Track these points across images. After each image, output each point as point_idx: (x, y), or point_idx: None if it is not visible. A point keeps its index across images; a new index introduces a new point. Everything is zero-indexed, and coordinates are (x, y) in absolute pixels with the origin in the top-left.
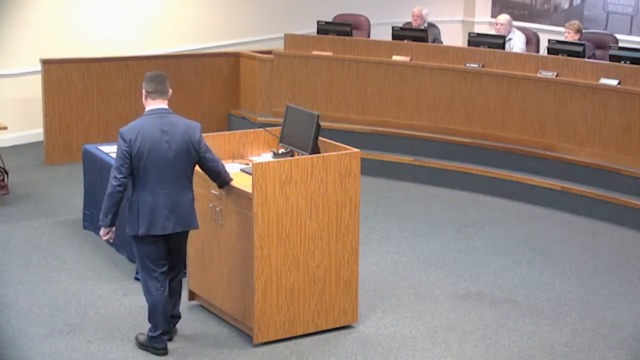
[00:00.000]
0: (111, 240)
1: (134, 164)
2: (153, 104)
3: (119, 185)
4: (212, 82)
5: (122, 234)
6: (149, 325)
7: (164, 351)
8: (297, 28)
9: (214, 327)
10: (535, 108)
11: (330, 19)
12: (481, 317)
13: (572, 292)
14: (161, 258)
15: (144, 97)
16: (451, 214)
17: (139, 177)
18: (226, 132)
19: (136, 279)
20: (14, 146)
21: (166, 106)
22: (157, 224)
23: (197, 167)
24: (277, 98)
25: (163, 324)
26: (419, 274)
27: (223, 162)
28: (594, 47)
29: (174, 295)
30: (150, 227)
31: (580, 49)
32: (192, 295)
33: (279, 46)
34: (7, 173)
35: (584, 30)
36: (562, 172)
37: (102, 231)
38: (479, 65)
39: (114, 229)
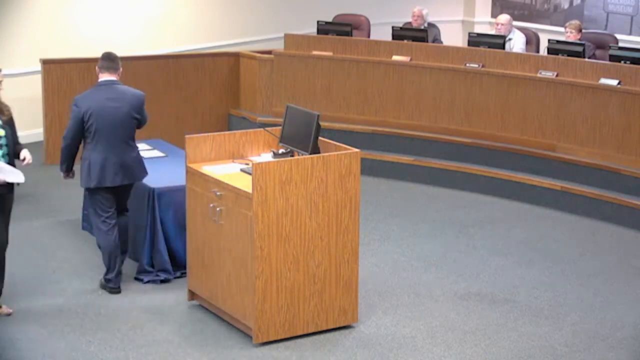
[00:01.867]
0: (71, 177)
1: (85, 126)
2: (102, 77)
3: (68, 144)
4: (212, 82)
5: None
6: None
7: (117, 290)
8: (297, 28)
9: (214, 327)
10: (535, 108)
11: (330, 19)
12: (481, 317)
13: (572, 292)
14: (110, 206)
15: (97, 72)
16: (451, 214)
17: (89, 137)
18: (226, 132)
19: (136, 279)
20: None
21: (114, 78)
22: (107, 178)
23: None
24: (277, 98)
25: (113, 263)
26: (419, 274)
27: (223, 162)
28: (594, 47)
29: (122, 235)
30: (101, 180)
31: (580, 49)
32: (192, 295)
33: (279, 46)
34: None
35: (584, 30)
36: (562, 172)
37: (62, 175)
38: (479, 65)
39: (71, 172)
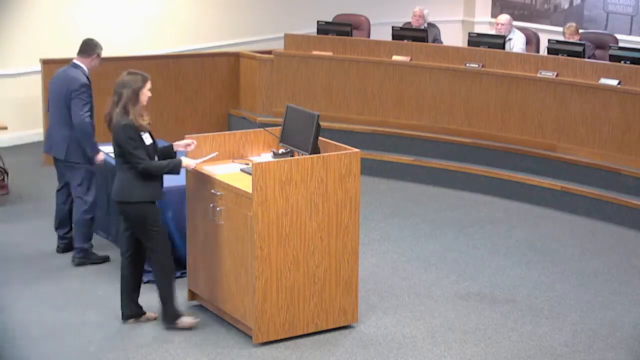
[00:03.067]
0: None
1: None
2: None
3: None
4: (212, 82)
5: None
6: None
7: (59, 250)
8: (297, 28)
9: (214, 327)
10: (535, 108)
11: (330, 19)
12: (481, 317)
13: (572, 292)
14: (59, 179)
15: None
16: (451, 214)
17: None
18: (226, 132)
19: None
20: (14, 146)
21: (77, 62)
22: (44, 145)
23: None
24: (277, 98)
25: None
26: (419, 274)
27: (223, 162)
28: (594, 47)
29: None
30: (44, 146)
31: (580, 49)
32: (192, 295)
33: (279, 46)
34: (7, 173)
35: (584, 30)
36: (562, 172)
37: None
38: (479, 65)
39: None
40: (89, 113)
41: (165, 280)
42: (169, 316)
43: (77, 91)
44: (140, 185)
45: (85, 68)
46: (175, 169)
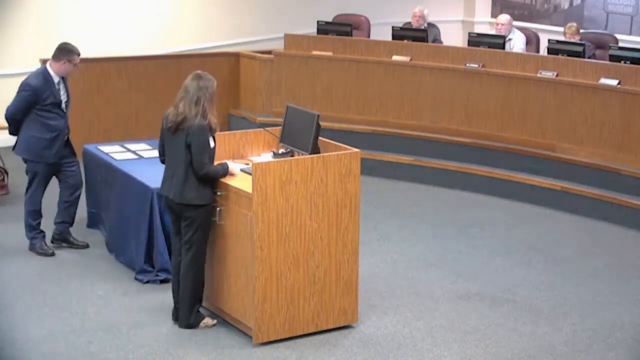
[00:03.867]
0: None
1: None
2: None
3: None
4: None
5: (122, 241)
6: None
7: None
8: (297, 28)
9: (214, 327)
10: (535, 108)
11: (330, 19)
12: (481, 317)
13: (572, 292)
14: None
15: None
16: (451, 214)
17: None
18: (226, 132)
19: (136, 279)
20: None
21: (47, 65)
22: None
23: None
24: (277, 98)
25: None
26: (419, 274)
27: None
28: (594, 47)
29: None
30: None
31: (580, 49)
32: None
33: (279, 46)
34: (7, 173)
35: (584, 30)
36: (562, 172)
37: None
38: (479, 65)
39: None
40: (13, 109)
41: (202, 281)
42: (195, 317)
43: (20, 88)
44: (205, 188)
45: (51, 72)
46: (226, 174)
